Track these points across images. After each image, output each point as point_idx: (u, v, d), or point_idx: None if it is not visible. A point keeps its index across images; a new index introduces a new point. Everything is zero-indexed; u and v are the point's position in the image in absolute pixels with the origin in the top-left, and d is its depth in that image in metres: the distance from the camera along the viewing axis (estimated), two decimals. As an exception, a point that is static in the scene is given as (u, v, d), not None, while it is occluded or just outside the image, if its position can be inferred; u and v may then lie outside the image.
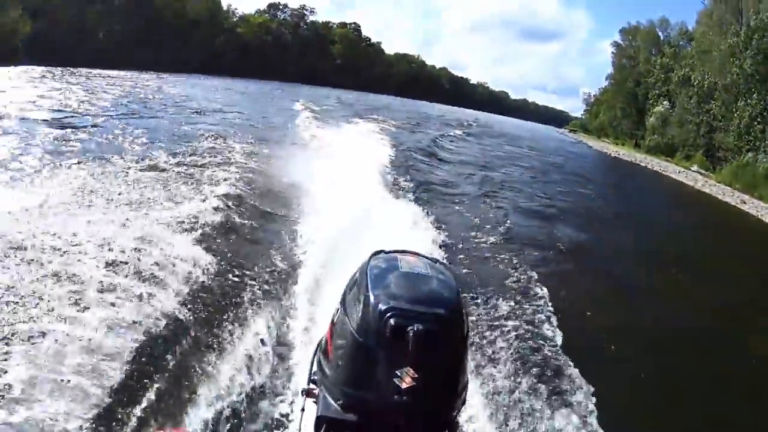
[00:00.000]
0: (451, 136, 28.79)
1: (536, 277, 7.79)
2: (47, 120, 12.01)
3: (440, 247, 8.10)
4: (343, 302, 0.92)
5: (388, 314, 0.79)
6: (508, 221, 11.16)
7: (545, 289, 7.27)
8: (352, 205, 8.08)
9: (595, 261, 10.64)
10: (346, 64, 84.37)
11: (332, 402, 0.87)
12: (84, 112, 14.42)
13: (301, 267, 6.09)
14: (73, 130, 11.40)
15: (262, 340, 2.21)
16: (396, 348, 0.78)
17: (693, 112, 39.84)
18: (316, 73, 71.51)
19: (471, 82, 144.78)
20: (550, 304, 6.88)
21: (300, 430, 0.95)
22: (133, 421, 3.08)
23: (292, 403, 3.88)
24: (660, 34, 52.56)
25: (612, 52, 60.06)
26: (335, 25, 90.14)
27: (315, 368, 1.00)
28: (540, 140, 47.76)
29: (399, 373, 0.79)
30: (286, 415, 3.76)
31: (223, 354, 4.06)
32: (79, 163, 8.22)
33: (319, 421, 0.87)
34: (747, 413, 5.56)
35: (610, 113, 59.93)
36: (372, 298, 0.83)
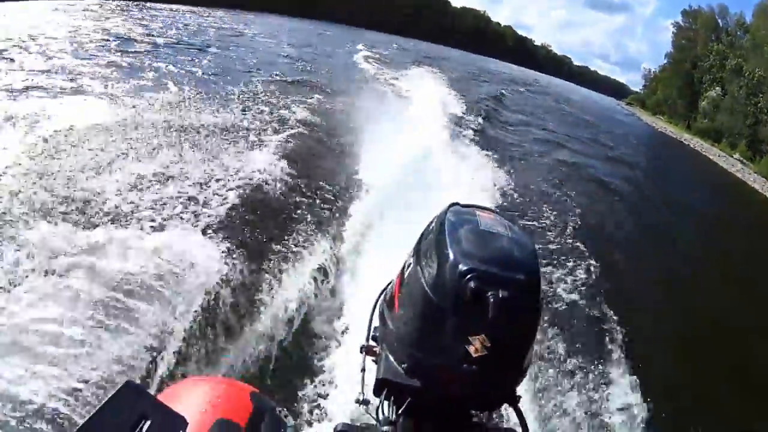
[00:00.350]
0: (510, 90, 29.03)
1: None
2: (177, 43, 15.11)
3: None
4: (416, 254, 0.84)
5: (469, 276, 0.73)
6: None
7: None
8: (414, 143, 8.16)
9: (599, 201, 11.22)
10: (411, 13, 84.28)
11: (396, 364, 0.82)
12: (195, 39, 17.51)
13: (357, 207, 5.98)
14: (201, 51, 14.58)
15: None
16: (472, 312, 0.73)
17: (742, 102, 40.83)
18: (380, 20, 71.48)
19: (535, 43, 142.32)
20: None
21: (363, 392, 0.90)
22: (175, 366, 3.04)
23: (328, 347, 3.75)
24: (719, 21, 52.06)
25: (672, 32, 59.63)
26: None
27: (377, 323, 0.95)
28: (595, 107, 49.17)
29: (471, 340, 0.73)
30: (328, 367, 3.62)
31: (268, 300, 3.94)
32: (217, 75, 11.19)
33: (381, 383, 0.83)
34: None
35: (666, 92, 59.90)
36: (451, 256, 0.76)
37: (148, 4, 26.68)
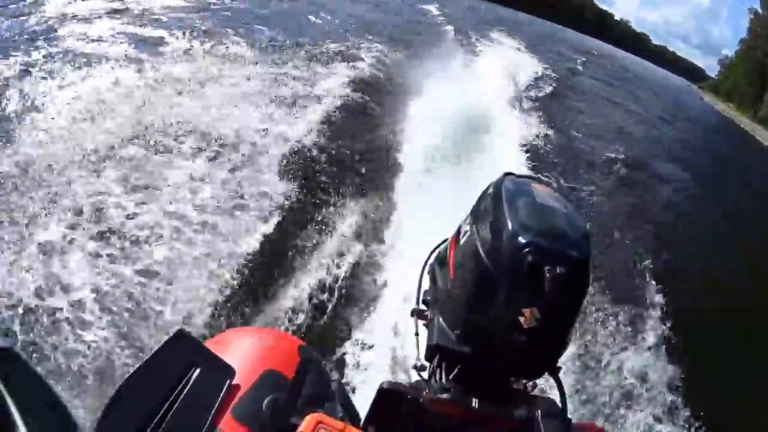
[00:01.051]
0: (582, 60, 28.81)
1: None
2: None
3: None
4: (474, 220, 0.87)
5: (527, 249, 0.76)
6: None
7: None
8: (474, 101, 8.32)
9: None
10: None
11: (449, 330, 0.85)
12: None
13: (407, 164, 5.90)
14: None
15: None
16: (526, 284, 0.76)
17: (806, 93, 41.42)
18: None
19: (615, 18, 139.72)
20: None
21: (419, 357, 0.91)
22: (223, 316, 3.13)
23: (374, 306, 3.79)
24: None
25: (750, 18, 59.37)
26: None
27: (429, 286, 0.99)
28: (661, 84, 49.79)
29: (523, 311, 0.76)
30: (374, 326, 3.62)
31: (317, 256, 4.01)
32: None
33: (433, 348, 0.86)
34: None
35: (736, 79, 59.72)
36: (510, 226, 0.78)
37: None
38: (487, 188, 0.90)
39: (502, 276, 0.78)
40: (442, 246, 0.98)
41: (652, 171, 11.82)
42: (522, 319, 0.76)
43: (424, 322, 0.97)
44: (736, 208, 13.54)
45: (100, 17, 8.42)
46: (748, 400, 4.73)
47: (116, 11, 9.07)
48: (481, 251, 0.81)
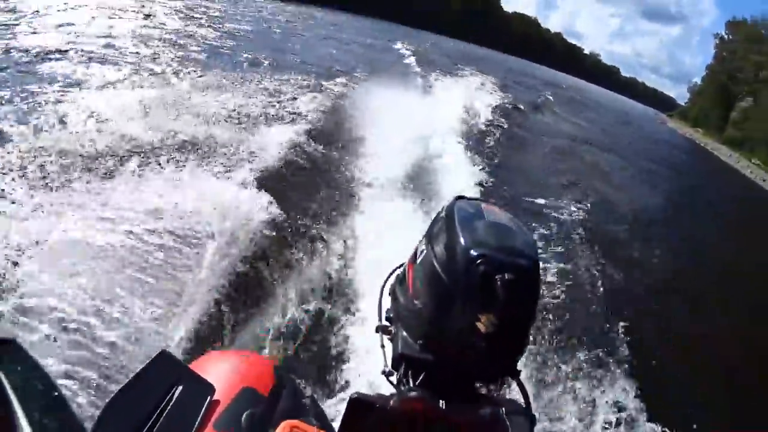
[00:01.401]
0: (547, 93, 29.41)
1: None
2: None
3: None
4: (429, 241, 0.93)
5: (479, 261, 0.81)
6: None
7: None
8: (434, 132, 8.89)
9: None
10: (460, 15, 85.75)
11: (412, 341, 0.91)
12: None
13: (360, 197, 6.04)
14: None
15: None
16: (480, 294, 0.81)
17: (768, 109, 42.12)
18: (425, 19, 69.81)
19: (584, 51, 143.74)
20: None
21: (386, 365, 0.95)
22: (200, 340, 3.13)
23: (343, 326, 3.97)
24: (764, 32, 52.07)
25: (715, 43, 60.88)
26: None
27: (390, 303, 1.05)
28: (629, 113, 51.43)
29: (479, 318, 0.81)
30: (343, 345, 3.79)
31: (286, 280, 4.12)
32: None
33: (399, 358, 0.92)
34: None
35: (702, 104, 60.79)
36: (462, 243, 0.84)
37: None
38: (440, 211, 0.96)
39: (458, 287, 0.83)
40: (400, 268, 1.04)
41: (607, 183, 12.26)
42: (479, 325, 0.80)
43: (388, 336, 1.01)
44: (691, 212, 14.21)
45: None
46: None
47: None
48: (437, 266, 0.87)
